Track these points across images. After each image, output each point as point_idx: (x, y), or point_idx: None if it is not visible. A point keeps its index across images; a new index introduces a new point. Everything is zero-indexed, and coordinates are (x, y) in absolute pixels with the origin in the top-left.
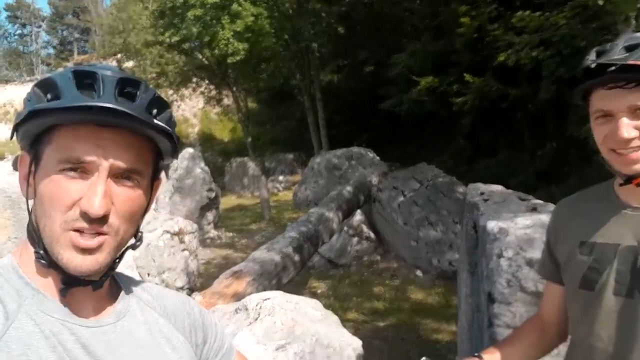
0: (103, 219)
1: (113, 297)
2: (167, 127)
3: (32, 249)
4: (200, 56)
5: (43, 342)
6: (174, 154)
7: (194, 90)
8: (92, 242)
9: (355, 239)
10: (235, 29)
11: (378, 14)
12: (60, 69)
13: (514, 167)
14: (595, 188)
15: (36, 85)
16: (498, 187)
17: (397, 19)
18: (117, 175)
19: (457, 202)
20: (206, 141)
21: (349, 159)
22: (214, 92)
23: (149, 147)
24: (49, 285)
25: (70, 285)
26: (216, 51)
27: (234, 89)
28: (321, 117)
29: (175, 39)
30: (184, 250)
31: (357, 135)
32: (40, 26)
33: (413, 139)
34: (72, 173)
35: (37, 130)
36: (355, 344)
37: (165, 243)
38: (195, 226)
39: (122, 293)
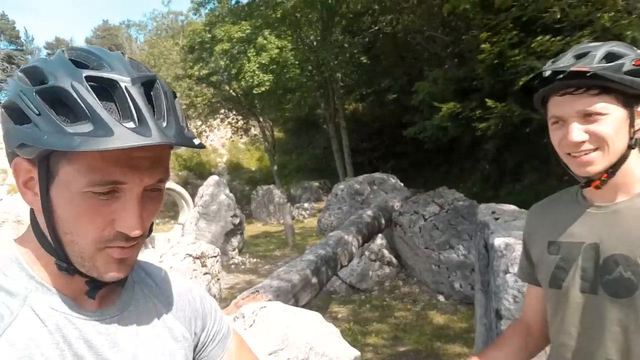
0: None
1: (119, 284)
2: (201, 143)
3: (35, 245)
4: (227, 88)
5: (47, 337)
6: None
7: (222, 120)
8: (129, 253)
9: (376, 264)
10: (261, 61)
11: (400, 43)
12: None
13: (541, 192)
14: (567, 190)
15: (38, 94)
16: (510, 207)
17: (420, 48)
18: (147, 189)
19: None
20: (234, 170)
21: (371, 184)
22: (241, 123)
23: (169, 151)
24: (52, 277)
25: (98, 288)
26: (242, 83)
27: (261, 119)
28: (346, 144)
29: (204, 72)
30: (205, 274)
31: (383, 162)
32: None
33: (438, 165)
34: (103, 195)
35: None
36: (352, 355)
37: (187, 266)
38: (217, 250)
39: (128, 281)
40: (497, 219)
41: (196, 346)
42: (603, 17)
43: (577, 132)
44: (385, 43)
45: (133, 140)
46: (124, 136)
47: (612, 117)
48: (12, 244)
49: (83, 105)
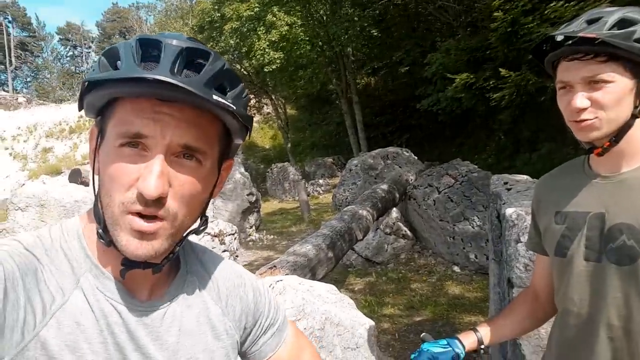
0: (159, 202)
1: (172, 274)
2: (228, 103)
3: (95, 223)
4: (238, 67)
5: (92, 321)
6: (244, 133)
7: None
8: (149, 225)
9: (392, 237)
10: (271, 39)
11: (411, 15)
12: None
13: (557, 161)
14: (574, 161)
15: (103, 53)
16: (522, 177)
17: (431, 18)
18: (177, 154)
19: None
20: (248, 149)
21: (385, 158)
22: (253, 101)
23: (215, 124)
24: (107, 261)
25: (130, 267)
26: (253, 61)
27: (273, 97)
28: (359, 119)
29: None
30: (224, 251)
31: (397, 136)
32: (90, 47)
33: (453, 137)
34: (130, 150)
35: (99, 102)
36: (367, 324)
37: (205, 244)
38: (235, 228)
39: (180, 273)
40: (509, 189)
41: (246, 339)
42: None
43: (580, 98)
44: (396, 15)
45: (135, 73)
46: (130, 72)
47: (617, 85)
48: (77, 216)
49: (121, 57)
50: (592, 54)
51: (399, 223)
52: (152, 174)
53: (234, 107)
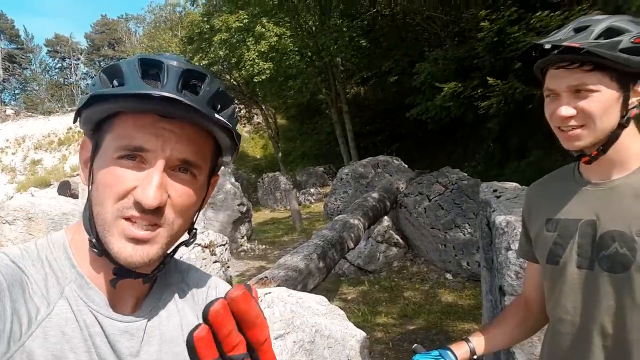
0: (157, 211)
1: (152, 286)
2: (227, 122)
3: (85, 234)
4: (228, 77)
5: (77, 331)
6: (234, 151)
7: None
8: (144, 232)
9: (383, 245)
10: (260, 50)
11: (400, 25)
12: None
13: (545, 168)
14: (564, 168)
15: (102, 70)
16: (511, 184)
17: (419, 29)
18: (174, 168)
19: None
20: (239, 159)
21: (375, 167)
22: (243, 112)
23: (209, 142)
24: (94, 273)
25: (121, 276)
26: (243, 72)
27: (263, 107)
28: (349, 129)
29: (204, 62)
30: (215, 262)
31: (387, 145)
32: (78, 59)
33: (443, 145)
34: (129, 162)
35: (98, 116)
36: (359, 335)
37: (196, 255)
38: (226, 239)
39: (160, 283)
40: (498, 197)
41: None
42: None
43: (566, 107)
44: (384, 25)
45: (144, 89)
46: (139, 88)
47: (602, 95)
48: (63, 229)
49: (125, 74)
50: (577, 62)
51: (391, 231)
52: (151, 185)
53: (232, 126)
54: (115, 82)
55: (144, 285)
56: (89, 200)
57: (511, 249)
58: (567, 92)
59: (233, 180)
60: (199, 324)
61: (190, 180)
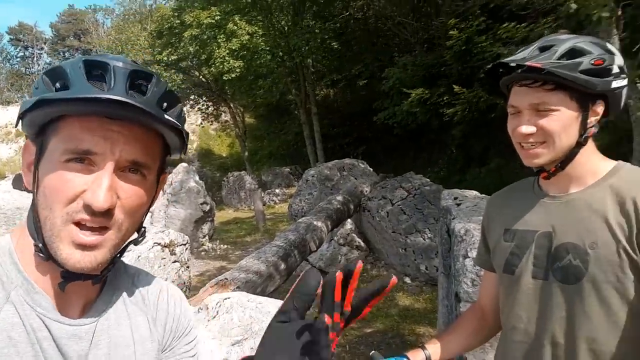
0: (107, 213)
1: (101, 289)
2: (177, 122)
3: (30, 239)
4: (197, 74)
5: (24, 336)
6: (182, 149)
7: (192, 107)
8: (93, 238)
9: (345, 248)
10: (231, 48)
11: (371, 29)
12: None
13: (505, 176)
14: (524, 181)
15: (45, 73)
16: (472, 192)
17: (390, 34)
18: (123, 169)
19: None
20: (204, 156)
21: (341, 170)
22: (211, 109)
23: (158, 141)
24: (40, 277)
25: (70, 279)
26: (213, 69)
27: (232, 105)
28: (317, 130)
29: (172, 57)
30: (175, 262)
31: (353, 147)
32: (42, 48)
33: (408, 150)
34: (77, 165)
35: (43, 119)
36: None
37: (155, 255)
38: (186, 238)
39: (110, 286)
40: (458, 204)
41: (165, 351)
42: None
43: (527, 124)
44: (356, 29)
45: (90, 92)
46: (85, 91)
47: (562, 114)
48: (8, 234)
49: (70, 77)
50: (539, 81)
51: (353, 234)
52: (101, 187)
53: (180, 125)
54: (58, 85)
55: (92, 287)
56: (34, 204)
57: (468, 257)
58: (528, 109)
59: (197, 178)
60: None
61: (139, 180)
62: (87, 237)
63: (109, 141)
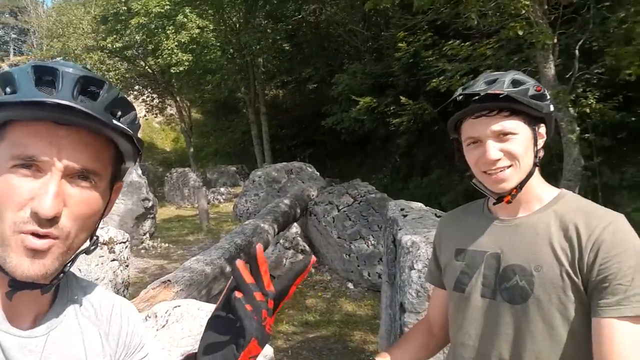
0: (53, 221)
1: (53, 301)
2: (127, 128)
3: None
4: (143, 64)
5: None
6: (136, 157)
7: (136, 98)
8: (42, 242)
9: (290, 252)
10: (180, 40)
11: (323, 34)
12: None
13: (445, 186)
14: (475, 202)
15: None
16: (417, 204)
17: (341, 40)
18: (72, 175)
19: None
20: (147, 150)
21: (289, 172)
22: (156, 101)
23: (109, 148)
24: None
25: (17, 288)
26: (160, 60)
27: (178, 98)
28: (265, 130)
29: (117, 45)
30: (113, 260)
31: (301, 150)
32: None
33: (354, 156)
34: (24, 171)
35: None
36: (266, 352)
37: (94, 253)
38: (127, 236)
39: (62, 299)
40: (405, 216)
41: None
42: (515, 28)
43: (493, 150)
44: (308, 32)
45: (36, 96)
46: (30, 95)
47: (521, 137)
48: None
49: (17, 82)
50: (496, 109)
51: (299, 238)
52: (47, 194)
53: (132, 132)
54: (8, 90)
55: (43, 298)
56: None
57: (414, 269)
58: (491, 137)
59: (140, 172)
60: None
61: (89, 187)
62: (37, 242)
63: (55, 147)
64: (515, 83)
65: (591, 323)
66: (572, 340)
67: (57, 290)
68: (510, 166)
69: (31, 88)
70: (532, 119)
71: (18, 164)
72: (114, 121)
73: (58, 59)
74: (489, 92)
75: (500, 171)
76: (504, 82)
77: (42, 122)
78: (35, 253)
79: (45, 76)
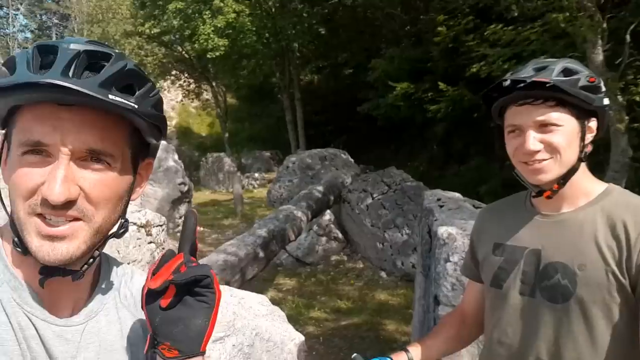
0: (69, 205)
1: (92, 288)
2: (126, 102)
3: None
4: (180, 49)
5: (11, 334)
6: (154, 133)
7: (173, 83)
8: (59, 229)
9: (323, 239)
10: (216, 25)
11: (360, 18)
12: None
13: (484, 175)
14: (516, 196)
15: (3, 63)
16: (454, 194)
17: (378, 24)
18: (83, 158)
19: None
20: (183, 135)
21: (323, 159)
22: (193, 86)
23: (123, 125)
24: (26, 273)
25: (48, 275)
26: (196, 45)
27: (214, 83)
28: (299, 116)
29: (155, 30)
30: (150, 242)
31: (335, 136)
32: (18, 9)
33: (389, 143)
34: (33, 157)
35: (1, 112)
36: (297, 339)
37: (131, 235)
38: (163, 219)
39: (102, 286)
40: (441, 206)
41: None
42: (558, 17)
43: (533, 140)
44: (344, 16)
45: (25, 78)
46: (20, 77)
47: (566, 129)
48: None
49: (16, 64)
50: (542, 98)
51: (332, 225)
52: (55, 180)
53: (135, 106)
54: (8, 74)
55: (82, 286)
56: (9, 199)
57: (450, 261)
58: (532, 126)
59: (176, 157)
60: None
61: (104, 169)
62: (52, 228)
63: (58, 130)
64: (566, 72)
65: (637, 325)
66: (615, 343)
67: (98, 277)
68: (549, 158)
69: (23, 70)
70: (582, 111)
71: (27, 151)
72: (111, 95)
73: None
74: (534, 79)
75: (539, 162)
76: (554, 69)
77: (46, 104)
78: (54, 238)
79: (48, 56)
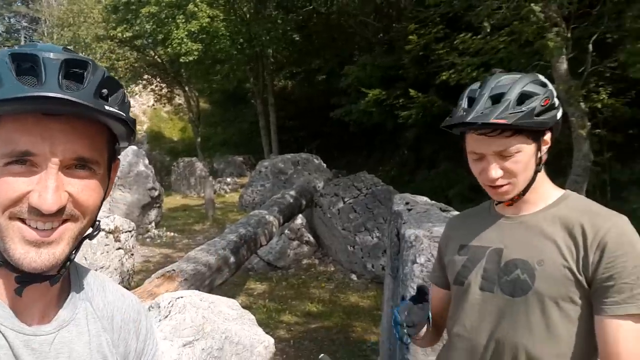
0: (59, 212)
1: (63, 297)
2: (119, 112)
3: None
4: (152, 53)
5: None
6: (130, 137)
7: (145, 87)
8: (45, 232)
9: (295, 243)
10: (190, 29)
11: (334, 25)
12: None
13: (452, 179)
14: (482, 204)
15: None
16: (423, 198)
17: (352, 32)
18: (69, 166)
19: None
20: (155, 139)
21: (295, 164)
22: (165, 90)
23: (103, 132)
24: None
25: (26, 283)
26: (169, 50)
27: (186, 88)
28: (273, 121)
29: (127, 34)
30: (118, 249)
31: (308, 141)
32: None
33: (361, 148)
34: (18, 167)
35: None
36: (267, 342)
37: (98, 241)
38: (132, 225)
39: (72, 296)
40: (409, 210)
41: None
42: (527, 31)
43: (495, 169)
44: (318, 23)
45: (22, 92)
46: (16, 91)
47: (523, 154)
48: None
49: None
50: (500, 129)
51: (303, 229)
52: (47, 190)
53: (124, 115)
54: None
55: (50, 290)
56: None
57: (417, 262)
58: (492, 155)
59: (147, 162)
60: None
61: (89, 175)
62: (40, 235)
63: (47, 140)
64: (522, 98)
65: (592, 321)
66: (570, 334)
67: (68, 283)
68: (508, 183)
69: (14, 82)
70: (536, 132)
71: (11, 161)
72: (106, 106)
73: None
74: (492, 121)
75: (501, 186)
76: (510, 100)
77: (31, 114)
78: (42, 243)
79: (25, 63)
